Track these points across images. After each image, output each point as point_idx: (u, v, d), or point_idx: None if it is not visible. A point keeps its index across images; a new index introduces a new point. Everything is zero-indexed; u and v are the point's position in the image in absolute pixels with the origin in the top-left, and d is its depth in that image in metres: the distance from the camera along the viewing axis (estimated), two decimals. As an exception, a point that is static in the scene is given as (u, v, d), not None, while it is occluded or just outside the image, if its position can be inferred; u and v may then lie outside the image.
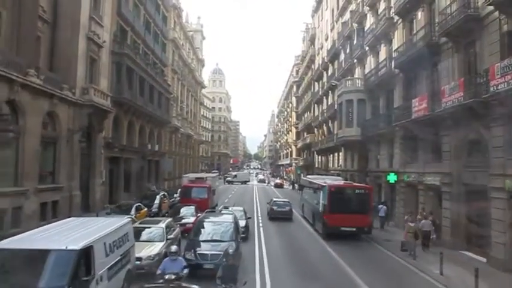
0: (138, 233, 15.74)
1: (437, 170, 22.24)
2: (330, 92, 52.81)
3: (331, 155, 52.62)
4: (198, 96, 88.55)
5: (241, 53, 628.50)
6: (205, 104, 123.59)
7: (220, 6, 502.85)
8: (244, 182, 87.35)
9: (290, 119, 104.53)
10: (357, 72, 39.74)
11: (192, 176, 34.38)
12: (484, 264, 17.25)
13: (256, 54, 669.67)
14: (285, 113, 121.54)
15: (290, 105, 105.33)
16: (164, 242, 15.48)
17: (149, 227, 16.45)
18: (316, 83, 65.59)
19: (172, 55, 60.15)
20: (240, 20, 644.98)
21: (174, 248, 11.57)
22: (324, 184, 25.48)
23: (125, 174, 39.74)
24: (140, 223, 17.21)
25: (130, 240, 12.53)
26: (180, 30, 67.09)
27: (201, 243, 15.09)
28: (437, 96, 21.37)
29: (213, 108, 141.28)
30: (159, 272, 10.78)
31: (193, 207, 25.27)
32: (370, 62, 35.96)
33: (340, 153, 46.88)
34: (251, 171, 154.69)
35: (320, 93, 59.50)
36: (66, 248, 8.97)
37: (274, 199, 36.19)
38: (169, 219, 18.62)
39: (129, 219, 13.37)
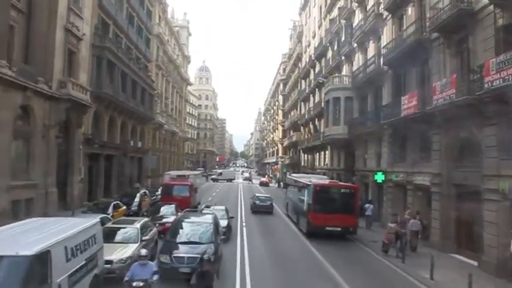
0: (110, 233, 14.72)
1: (427, 169, 21.56)
2: (316, 90, 52.10)
3: (318, 154, 51.92)
4: (184, 93, 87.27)
5: (229, 51, 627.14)
6: (191, 101, 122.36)
7: (208, 4, 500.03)
8: (230, 180, 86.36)
9: (276, 117, 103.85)
10: (345, 70, 39.03)
11: (174, 173, 33.26)
12: (475, 268, 16.53)
13: (244, 53, 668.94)
14: (272, 111, 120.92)
15: (277, 103, 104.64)
16: (138, 243, 14.42)
17: (123, 228, 15.38)
18: (303, 81, 64.86)
19: (156, 50, 58.84)
20: (228, 18, 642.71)
21: (143, 251, 10.54)
22: (309, 183, 24.93)
23: (105, 171, 38.55)
24: (113, 223, 16.10)
25: (98, 242, 11.48)
26: (165, 25, 65.78)
27: (178, 245, 14.06)
28: (428, 93, 20.64)
29: (199, 105, 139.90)
30: (126, 279, 9.82)
31: (173, 205, 24.17)
32: (358, 59, 35.24)
33: (327, 152, 46.18)
34: (237, 169, 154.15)
35: (307, 91, 58.79)
36: (18, 253, 7.94)
37: (257, 194, 38.21)
38: (146, 219, 17.53)
39: (98, 219, 12.25)
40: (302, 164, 64.17)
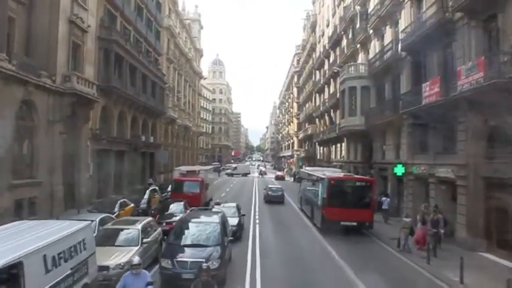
0: (108, 236, 13.66)
1: (451, 161, 20.01)
2: (331, 80, 50.50)
3: (334, 146, 50.40)
4: (197, 87, 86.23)
5: (243, 44, 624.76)
6: (205, 95, 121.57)
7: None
8: (245, 175, 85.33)
9: (291, 110, 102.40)
10: (360, 58, 37.40)
11: (184, 169, 32.07)
12: (510, 269, 14.94)
13: (258, 46, 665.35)
14: (286, 103, 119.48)
15: (291, 95, 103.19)
16: (139, 246, 13.32)
17: (122, 229, 14.25)
18: (317, 72, 63.23)
19: (167, 44, 57.82)
20: (241, 11, 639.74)
21: (136, 259, 9.27)
22: (323, 176, 24.18)
23: (116, 167, 37.71)
24: (113, 224, 14.96)
25: (88, 248, 10.34)
26: (176, 18, 64.65)
27: (181, 248, 12.88)
28: (452, 79, 19.09)
29: (214, 99, 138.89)
30: None
31: (182, 203, 23.02)
32: (374, 47, 33.60)
33: (343, 144, 44.66)
34: (253, 163, 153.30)
35: (321, 82, 57.18)
36: (-20, 267, 6.82)
37: (270, 186, 41.15)
38: (149, 219, 16.35)
39: (88, 222, 11.05)
40: (318, 157, 62.72)
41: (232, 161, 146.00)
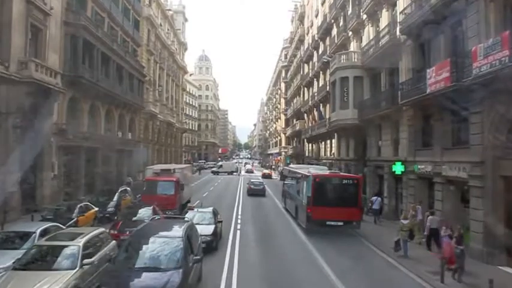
0: (40, 255, 10.61)
1: (463, 158, 17.19)
2: (321, 73, 47.71)
3: (323, 143, 47.56)
4: (181, 82, 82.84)
5: (229, 40, 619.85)
6: (190, 91, 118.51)
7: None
8: (231, 173, 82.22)
9: (279, 106, 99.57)
10: (352, 47, 34.51)
11: (157, 167, 28.67)
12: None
13: (245, 42, 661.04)
14: (274, 100, 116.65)
15: (279, 91, 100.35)
16: (76, 269, 10.22)
17: (59, 246, 11.12)
18: (305, 65, 60.40)
19: (147, 34, 54.46)
20: (228, 6, 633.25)
21: None
22: (308, 174, 23.10)
23: (87, 166, 34.59)
24: (48, 239, 11.70)
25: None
26: (157, 8, 61.24)
27: (129, 272, 9.75)
28: (463, 62, 16.30)
29: (200, 96, 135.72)
30: None
31: (150, 208, 19.91)
32: (368, 33, 30.76)
33: (333, 140, 41.88)
34: (240, 161, 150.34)
35: (310, 75, 54.32)
36: None
37: (252, 180, 45.64)
38: (99, 231, 13.09)
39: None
40: (306, 154, 59.88)
41: (220, 159, 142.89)
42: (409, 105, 22.05)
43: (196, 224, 16.32)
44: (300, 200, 23.92)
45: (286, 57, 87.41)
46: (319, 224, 20.98)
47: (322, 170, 27.38)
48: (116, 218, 20.51)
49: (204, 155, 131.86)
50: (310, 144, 57.64)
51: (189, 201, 29.31)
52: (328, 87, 41.82)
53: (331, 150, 43.22)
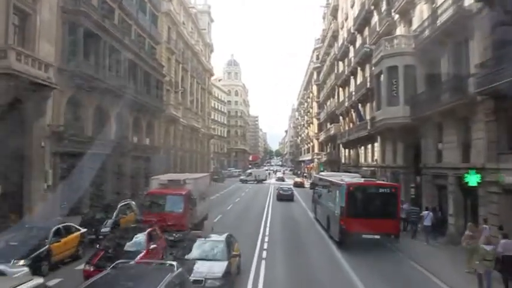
0: None
1: None
2: (358, 68, 42.27)
3: (363, 148, 41.91)
4: (207, 85, 78.56)
5: (259, 47, 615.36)
6: (219, 97, 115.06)
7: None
8: (261, 181, 77.14)
9: (311, 110, 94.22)
10: (400, 32, 28.97)
11: (165, 177, 23.45)
12: None
13: (276, 48, 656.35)
14: (305, 104, 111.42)
15: (310, 95, 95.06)
16: None
17: None
18: (340, 63, 54.91)
19: (168, 32, 50.33)
20: (258, 9, 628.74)
21: None
22: (341, 182, 21.51)
23: (93, 176, 30.22)
24: None
25: None
26: (179, 4, 57.08)
27: None
28: None
29: (229, 101, 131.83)
30: None
31: (143, 234, 14.99)
32: (421, 12, 25.23)
33: (376, 144, 36.27)
34: (271, 168, 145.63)
35: (346, 72, 48.82)
36: None
37: (281, 186, 49.43)
38: (33, 284, 8.31)
39: None
40: (342, 161, 54.22)
41: (250, 166, 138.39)
42: (489, 94, 16.51)
43: (202, 259, 11.56)
44: (332, 210, 22.27)
45: (318, 58, 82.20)
46: (353, 238, 19.64)
47: (356, 178, 24.85)
48: (97, 245, 15.60)
49: (233, 162, 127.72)
50: (346, 150, 51.97)
51: (205, 219, 24.45)
52: (368, 83, 36.42)
53: (373, 156, 37.60)
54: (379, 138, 34.81)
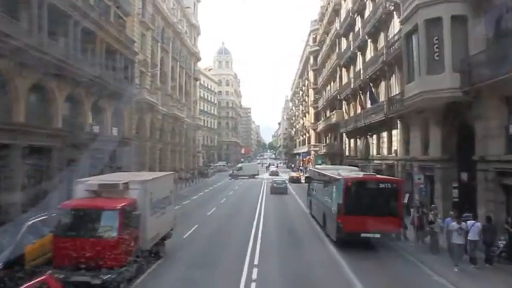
0: None
1: None
2: (369, 41, 34.90)
3: (375, 137, 34.51)
4: (193, 70, 70.86)
5: (252, 38, 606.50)
6: (210, 87, 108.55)
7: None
8: (252, 176, 69.81)
9: (307, 99, 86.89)
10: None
11: (94, 182, 14.72)
12: None
13: (269, 39, 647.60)
14: (300, 92, 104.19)
15: (306, 82, 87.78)
16: None
17: None
18: (343, 40, 47.45)
19: (142, 2, 42.72)
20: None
21: None
22: (338, 177, 19.93)
23: (30, 174, 23.29)
24: None
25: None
26: (155, -27, 49.32)
27: None
28: None
29: (220, 92, 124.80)
30: None
31: None
32: None
33: (394, 132, 28.99)
34: (264, 162, 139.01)
35: (351, 48, 41.37)
36: None
37: (275, 179, 49.02)
38: None
39: None
40: (347, 153, 46.86)
41: (242, 160, 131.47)
42: None
43: None
44: (329, 207, 21.09)
45: (315, 41, 74.76)
46: (351, 236, 18.58)
47: (354, 172, 23.25)
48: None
49: (225, 156, 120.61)
50: (351, 141, 44.55)
51: (167, 237, 16.95)
52: (384, 56, 29.05)
53: (390, 147, 30.24)
54: (399, 124, 27.51)
